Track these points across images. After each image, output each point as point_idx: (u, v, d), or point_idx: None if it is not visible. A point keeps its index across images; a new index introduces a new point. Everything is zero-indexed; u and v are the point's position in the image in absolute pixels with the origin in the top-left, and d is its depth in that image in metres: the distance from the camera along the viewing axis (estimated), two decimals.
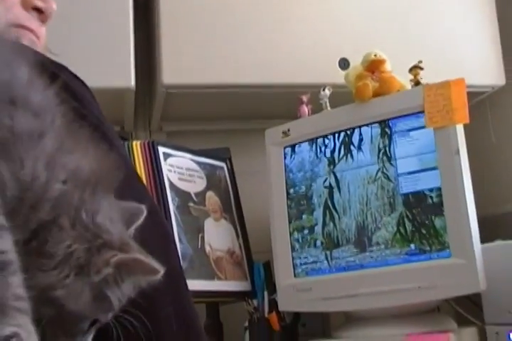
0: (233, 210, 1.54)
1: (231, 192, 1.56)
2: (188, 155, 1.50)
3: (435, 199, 1.20)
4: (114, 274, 0.52)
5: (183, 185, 1.44)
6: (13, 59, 0.56)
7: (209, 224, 1.46)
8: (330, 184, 1.32)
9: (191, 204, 1.44)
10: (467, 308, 1.36)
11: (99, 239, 0.52)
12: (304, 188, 1.36)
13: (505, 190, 1.53)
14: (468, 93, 1.45)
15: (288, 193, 1.38)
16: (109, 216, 0.55)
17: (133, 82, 1.44)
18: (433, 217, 1.20)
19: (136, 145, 1.39)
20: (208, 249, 1.41)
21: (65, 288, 0.50)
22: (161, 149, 1.43)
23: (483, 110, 1.59)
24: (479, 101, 1.60)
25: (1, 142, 0.49)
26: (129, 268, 0.52)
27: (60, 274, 0.50)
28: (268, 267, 1.42)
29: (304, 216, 1.35)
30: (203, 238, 1.42)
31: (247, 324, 1.41)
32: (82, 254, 0.52)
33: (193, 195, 1.46)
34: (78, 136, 0.57)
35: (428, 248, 1.19)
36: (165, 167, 1.41)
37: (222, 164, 1.59)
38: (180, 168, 1.46)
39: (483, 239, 1.23)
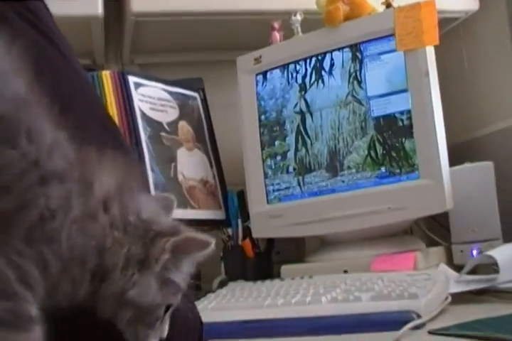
0: (206, 140, 1.54)
1: (204, 122, 1.56)
2: (160, 85, 1.49)
3: (405, 122, 1.20)
4: (172, 259, 0.55)
5: (154, 115, 1.43)
6: None
7: (182, 154, 1.45)
8: (301, 109, 1.32)
9: (163, 133, 1.43)
10: (436, 230, 1.38)
11: (150, 232, 0.55)
12: (275, 115, 1.36)
13: (476, 116, 1.53)
14: (442, 19, 1.45)
15: (260, 120, 1.37)
16: (151, 208, 0.58)
17: (100, 10, 1.40)
18: (403, 140, 1.20)
19: (106, 75, 1.37)
20: (180, 178, 1.42)
21: (135, 287, 0.54)
22: (132, 79, 1.41)
23: (456, 36, 1.58)
24: (453, 28, 1.58)
25: None
26: (183, 249, 0.55)
27: (126, 276, 0.54)
28: (242, 196, 1.43)
29: (276, 142, 1.35)
30: (175, 167, 1.42)
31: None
32: (140, 250, 0.55)
33: (165, 125, 1.45)
34: None
35: (398, 170, 1.20)
36: (136, 96, 1.40)
37: (195, 94, 1.57)
38: (151, 98, 1.44)
39: (454, 164, 1.25)
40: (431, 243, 1.37)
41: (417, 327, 0.82)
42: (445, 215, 1.28)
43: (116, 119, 1.33)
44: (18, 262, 0.49)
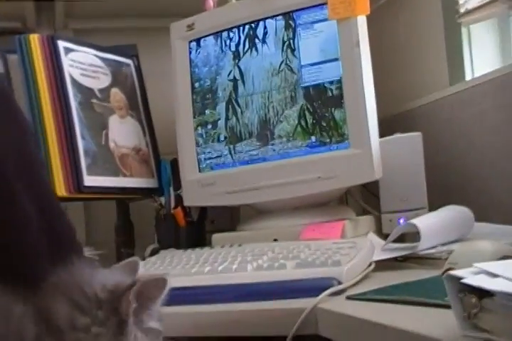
0: (140, 108, 1.52)
1: (138, 90, 1.53)
2: (92, 51, 1.45)
3: (335, 92, 1.20)
4: (140, 307, 0.59)
5: (85, 81, 1.40)
6: None
7: (114, 121, 1.43)
8: (234, 77, 1.31)
9: (94, 100, 1.40)
10: (369, 201, 1.40)
11: (114, 298, 0.59)
12: (209, 82, 1.34)
13: (408, 88, 1.55)
14: None
15: (193, 88, 1.36)
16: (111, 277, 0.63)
17: None
18: (333, 110, 1.21)
19: (34, 39, 1.33)
20: (112, 145, 1.40)
21: None
22: (62, 44, 1.37)
23: (393, 9, 1.59)
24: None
25: None
26: (146, 294, 0.59)
27: None
28: (175, 164, 1.42)
29: (207, 111, 1.34)
30: (107, 135, 1.39)
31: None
32: (113, 315, 0.59)
33: (96, 92, 1.42)
34: None
35: (328, 140, 1.21)
36: (66, 62, 1.36)
37: (129, 61, 1.54)
38: (82, 64, 1.41)
39: (386, 135, 1.27)
40: (364, 213, 1.39)
41: (337, 293, 0.83)
42: (377, 185, 1.29)
43: (44, 85, 1.30)
44: None
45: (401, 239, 1.15)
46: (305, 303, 0.80)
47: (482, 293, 0.51)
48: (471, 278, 0.51)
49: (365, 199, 1.45)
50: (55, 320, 0.57)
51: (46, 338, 0.56)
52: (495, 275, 0.51)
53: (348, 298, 0.79)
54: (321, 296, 0.79)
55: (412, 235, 1.14)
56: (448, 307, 0.55)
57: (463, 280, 0.50)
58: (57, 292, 0.60)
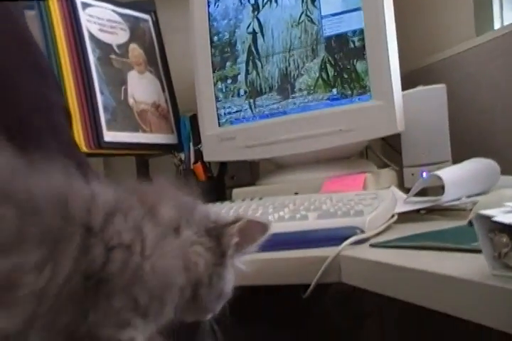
0: (158, 63, 1.50)
1: (156, 45, 1.51)
2: (110, 6, 1.43)
3: (357, 43, 1.18)
4: (238, 244, 0.61)
5: (104, 37, 1.38)
6: None
7: (132, 77, 1.42)
8: (253, 29, 1.28)
9: (113, 56, 1.39)
10: (390, 155, 1.39)
11: (218, 227, 0.60)
12: (227, 35, 1.32)
13: (432, 41, 1.51)
14: None
15: (212, 41, 1.33)
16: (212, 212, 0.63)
17: None
18: (355, 61, 1.18)
19: None
20: (131, 101, 1.39)
21: (227, 281, 0.60)
22: None
23: None
24: None
25: None
26: (247, 233, 0.61)
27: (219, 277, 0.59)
28: (194, 120, 1.41)
29: (227, 65, 1.32)
30: (126, 90, 1.38)
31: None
32: (216, 244, 0.60)
33: (114, 47, 1.40)
34: None
35: (349, 92, 1.19)
36: (84, 17, 1.35)
37: (147, 16, 1.52)
38: (100, 19, 1.39)
39: (409, 89, 1.24)
40: (384, 167, 1.37)
41: (360, 242, 0.82)
42: (398, 139, 1.27)
43: (63, 40, 1.29)
44: (117, 320, 0.52)
45: (423, 193, 1.14)
46: (328, 251, 0.79)
47: None
48: (501, 216, 0.50)
49: (385, 154, 1.43)
50: (161, 218, 0.57)
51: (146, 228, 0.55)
52: None
53: (372, 245, 0.79)
54: (344, 244, 0.79)
55: (434, 189, 1.13)
56: (475, 251, 0.54)
57: (494, 219, 0.49)
58: (165, 197, 0.60)
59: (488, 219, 0.51)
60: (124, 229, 0.54)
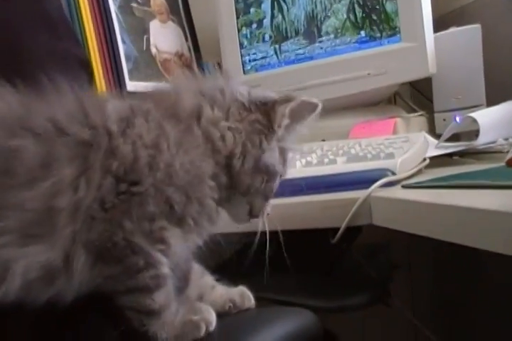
0: (181, 12, 1.46)
1: None
2: None
3: None
4: (289, 124, 0.62)
5: None
6: None
7: (155, 26, 1.38)
8: None
9: (134, 4, 1.35)
10: (420, 102, 1.34)
11: (268, 103, 0.62)
12: None
13: None
14: None
15: None
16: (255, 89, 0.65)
17: None
18: (384, 1, 1.13)
19: None
20: (154, 50, 1.35)
21: (266, 152, 0.61)
22: None
23: None
24: None
25: None
26: (299, 113, 0.63)
27: (254, 144, 0.60)
28: (219, 68, 1.38)
29: (251, 9, 1.28)
30: (148, 39, 1.35)
31: None
32: (261, 118, 0.61)
33: None
34: None
35: (379, 34, 1.14)
36: None
37: None
38: None
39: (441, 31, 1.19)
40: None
41: (391, 184, 0.79)
42: (428, 85, 1.23)
43: None
44: (153, 228, 0.55)
45: (456, 139, 1.10)
46: (359, 194, 0.77)
47: None
48: None
49: (414, 101, 1.38)
50: (182, 112, 0.59)
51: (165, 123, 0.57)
52: None
53: (404, 186, 0.76)
54: (375, 185, 0.76)
55: (468, 134, 1.09)
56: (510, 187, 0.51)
57: None
58: (183, 89, 0.61)
59: None
60: (145, 130, 0.56)
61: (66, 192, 0.52)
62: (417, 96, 1.35)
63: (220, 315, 0.62)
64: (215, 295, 0.67)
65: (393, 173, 0.81)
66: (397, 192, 0.73)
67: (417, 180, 0.81)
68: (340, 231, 0.76)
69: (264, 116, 0.61)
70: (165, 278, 0.57)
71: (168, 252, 0.57)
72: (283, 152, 0.64)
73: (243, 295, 0.68)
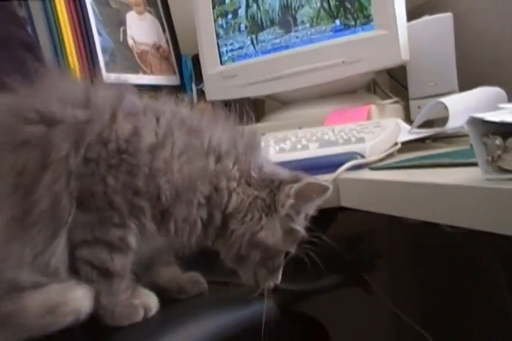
0: (158, 3, 1.47)
1: None
2: None
3: None
4: (295, 204, 0.63)
5: None
6: None
7: (131, 18, 1.39)
8: None
9: None
10: (396, 90, 1.35)
11: (275, 181, 0.64)
12: None
13: None
14: None
15: None
16: (269, 163, 0.68)
17: None
18: None
19: None
20: (130, 42, 1.36)
21: (263, 230, 0.62)
22: None
23: None
24: None
25: None
26: (305, 194, 0.63)
27: (254, 219, 0.62)
28: (197, 60, 1.38)
29: (227, 0, 1.28)
30: (124, 31, 1.35)
31: None
32: (266, 197, 0.63)
33: None
34: None
35: (352, 22, 1.15)
36: None
37: None
38: None
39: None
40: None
41: (360, 167, 0.80)
42: (405, 73, 1.24)
43: None
44: (133, 200, 0.58)
45: (430, 125, 1.11)
46: (327, 177, 0.77)
47: (506, 133, 0.48)
48: (494, 116, 0.48)
49: (392, 89, 1.39)
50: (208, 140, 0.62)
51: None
52: None
53: (372, 168, 0.77)
54: (342, 168, 0.77)
55: (441, 121, 1.10)
56: (474, 165, 0.52)
57: (486, 118, 0.47)
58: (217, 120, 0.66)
59: (480, 121, 0.48)
60: (153, 126, 0.59)
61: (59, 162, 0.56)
62: (395, 84, 1.36)
63: (168, 301, 0.63)
64: (163, 279, 0.68)
65: (362, 157, 0.82)
66: (364, 174, 0.75)
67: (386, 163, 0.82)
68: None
69: (269, 194, 0.64)
70: (128, 246, 0.59)
71: (141, 229, 0.60)
72: (290, 232, 0.65)
73: (192, 281, 0.69)
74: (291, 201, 0.63)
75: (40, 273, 0.57)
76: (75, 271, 0.59)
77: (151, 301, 0.62)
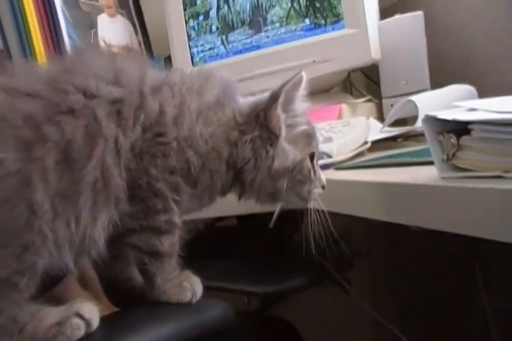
0: (130, 6, 1.45)
1: None
2: None
3: None
4: (287, 116, 0.65)
5: None
6: None
7: (103, 20, 1.38)
8: None
9: None
10: (371, 89, 1.35)
11: (260, 115, 0.65)
12: None
13: None
14: None
15: None
16: (243, 99, 0.69)
17: None
18: None
19: None
20: (102, 45, 1.35)
21: (275, 159, 0.63)
22: None
23: None
24: None
25: None
26: (288, 100, 0.66)
27: (262, 158, 0.63)
28: (169, 62, 1.37)
29: (198, 1, 1.27)
30: (96, 34, 1.34)
31: None
32: (261, 132, 0.64)
33: None
34: None
35: (323, 21, 1.15)
36: None
37: None
38: None
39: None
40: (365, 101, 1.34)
41: (327, 167, 0.80)
42: (378, 71, 1.24)
43: None
44: (171, 180, 0.60)
45: (403, 124, 1.11)
46: None
47: (460, 132, 0.47)
48: (448, 114, 0.47)
49: (368, 88, 1.39)
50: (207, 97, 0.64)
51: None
52: (473, 110, 0.47)
53: (336, 168, 0.76)
54: None
55: (413, 119, 1.09)
56: (431, 163, 0.52)
57: (439, 116, 0.47)
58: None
59: (435, 119, 0.48)
60: (171, 96, 0.61)
61: (111, 149, 0.58)
62: (370, 82, 1.36)
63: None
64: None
65: (329, 156, 0.82)
66: (328, 174, 0.74)
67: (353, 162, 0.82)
68: (274, 216, 0.76)
69: (261, 128, 0.63)
70: (175, 226, 0.62)
71: (179, 206, 0.62)
72: (298, 138, 0.65)
73: None
74: (282, 118, 0.63)
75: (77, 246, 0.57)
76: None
77: (197, 288, 0.63)
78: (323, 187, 0.67)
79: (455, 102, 1.02)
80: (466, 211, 0.44)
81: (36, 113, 0.55)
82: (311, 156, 0.65)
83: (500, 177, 0.43)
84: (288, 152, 0.63)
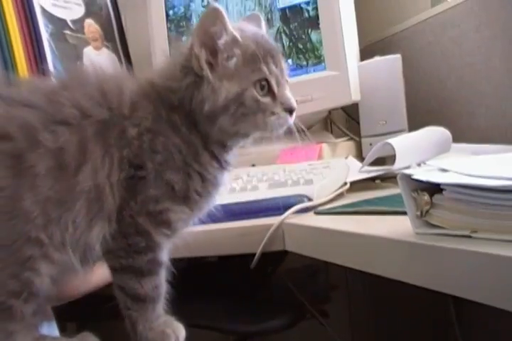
0: (116, 39, 1.48)
1: (113, 21, 1.49)
2: None
3: (311, 13, 1.17)
4: (206, 52, 0.61)
5: (57, 12, 1.36)
6: None
7: (88, 53, 1.40)
8: (208, 3, 1.27)
9: (67, 31, 1.36)
10: (352, 128, 1.38)
11: (186, 66, 0.61)
12: (182, 10, 1.30)
13: (390, 13, 1.50)
14: None
15: (167, 15, 1.32)
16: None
17: None
18: (309, 31, 1.17)
19: None
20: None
21: (206, 102, 0.60)
22: None
23: None
24: None
25: None
26: (209, 34, 0.60)
27: (192, 104, 0.60)
28: None
29: (183, 38, 1.30)
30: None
31: None
32: (189, 82, 0.60)
33: (69, 23, 1.38)
34: None
35: (305, 62, 1.18)
36: None
37: None
38: None
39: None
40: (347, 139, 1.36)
41: (308, 210, 0.82)
42: (358, 110, 1.27)
43: (13, 15, 1.26)
44: (155, 209, 0.58)
45: (381, 163, 1.14)
46: (274, 220, 0.79)
47: (433, 190, 0.50)
48: (421, 174, 0.50)
49: (348, 126, 1.42)
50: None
51: None
52: (445, 170, 0.49)
53: (317, 212, 0.78)
54: (288, 212, 0.79)
55: (392, 158, 1.12)
56: (406, 213, 0.54)
57: (413, 177, 0.49)
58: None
59: (410, 178, 0.50)
60: (147, 113, 0.59)
61: (101, 170, 0.57)
62: (352, 123, 1.39)
63: None
64: None
65: (310, 199, 0.84)
66: (308, 219, 0.76)
67: (334, 205, 0.84)
68: (255, 257, 0.78)
69: (189, 76, 0.60)
70: (160, 265, 0.59)
71: (171, 236, 0.60)
72: (239, 65, 0.60)
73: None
74: (204, 57, 0.59)
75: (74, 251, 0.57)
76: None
77: (180, 334, 0.61)
78: (290, 112, 0.64)
79: (429, 145, 1.06)
80: (438, 268, 0.46)
81: (33, 121, 0.56)
82: (260, 83, 0.60)
83: (469, 236, 0.46)
84: (219, 89, 0.59)
